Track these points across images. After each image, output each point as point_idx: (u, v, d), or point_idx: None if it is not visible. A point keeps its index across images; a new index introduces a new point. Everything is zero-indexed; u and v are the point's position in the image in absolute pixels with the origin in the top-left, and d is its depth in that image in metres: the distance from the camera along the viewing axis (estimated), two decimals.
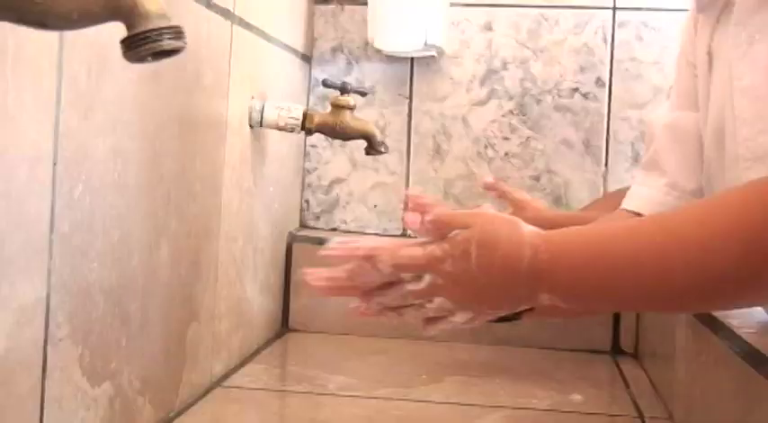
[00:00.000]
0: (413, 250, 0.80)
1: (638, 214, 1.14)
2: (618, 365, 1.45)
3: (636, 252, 0.73)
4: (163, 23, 0.49)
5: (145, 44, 0.49)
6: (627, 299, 0.78)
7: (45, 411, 0.76)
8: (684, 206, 0.98)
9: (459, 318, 0.81)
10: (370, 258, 0.80)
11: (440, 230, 0.79)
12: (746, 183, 0.73)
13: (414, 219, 0.80)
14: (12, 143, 0.69)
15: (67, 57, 0.75)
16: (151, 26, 0.49)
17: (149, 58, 0.50)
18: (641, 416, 1.17)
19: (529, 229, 0.78)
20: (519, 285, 0.77)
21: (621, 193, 1.23)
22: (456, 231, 0.79)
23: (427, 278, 0.79)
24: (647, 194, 1.16)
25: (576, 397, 1.23)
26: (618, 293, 0.76)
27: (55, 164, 0.75)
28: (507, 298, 0.78)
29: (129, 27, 0.49)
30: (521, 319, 1.14)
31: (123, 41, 0.49)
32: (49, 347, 0.75)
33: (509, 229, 0.78)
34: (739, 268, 0.68)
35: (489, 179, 1.50)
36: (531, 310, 0.91)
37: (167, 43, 0.49)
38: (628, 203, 1.18)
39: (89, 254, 0.82)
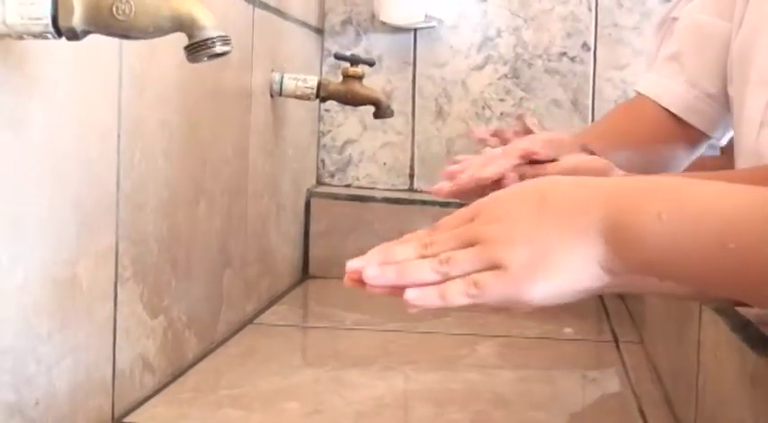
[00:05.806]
0: None
1: (658, 103, 1.16)
2: (602, 300, 1.60)
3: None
4: (215, 33, 0.66)
5: (203, 49, 0.65)
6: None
7: (117, 338, 0.93)
8: None
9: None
10: None
11: None
12: None
13: None
14: (87, 120, 0.86)
15: (126, 48, 0.92)
16: (207, 36, 0.65)
17: (206, 59, 0.67)
18: (616, 340, 1.34)
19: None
20: None
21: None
22: None
23: None
24: (667, 85, 1.17)
25: (567, 330, 1.39)
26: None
27: (119, 135, 0.92)
28: None
29: (190, 37, 0.66)
30: None
31: (186, 48, 0.66)
32: (118, 286, 0.93)
33: None
34: None
35: (481, 134, 1.56)
36: None
37: (219, 48, 0.66)
38: (647, 89, 1.18)
39: (145, 209, 0.99)
